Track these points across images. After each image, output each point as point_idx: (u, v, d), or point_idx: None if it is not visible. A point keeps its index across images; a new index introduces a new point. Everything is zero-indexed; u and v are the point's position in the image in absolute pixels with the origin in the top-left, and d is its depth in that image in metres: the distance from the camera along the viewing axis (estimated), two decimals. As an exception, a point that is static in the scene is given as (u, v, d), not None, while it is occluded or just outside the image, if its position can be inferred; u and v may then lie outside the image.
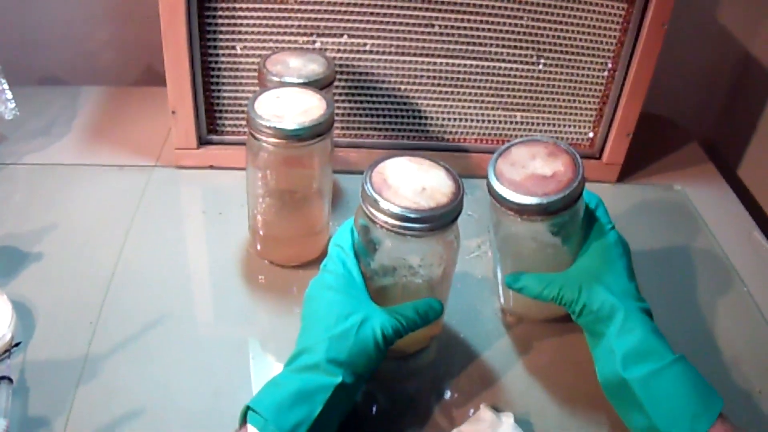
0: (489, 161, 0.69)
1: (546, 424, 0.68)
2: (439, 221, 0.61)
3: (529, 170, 0.67)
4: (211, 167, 0.97)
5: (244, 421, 0.57)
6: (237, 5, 0.88)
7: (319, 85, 0.79)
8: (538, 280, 0.69)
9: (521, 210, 0.65)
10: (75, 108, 1.09)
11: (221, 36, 0.89)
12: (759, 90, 1.14)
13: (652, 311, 0.66)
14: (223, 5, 0.87)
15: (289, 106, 0.72)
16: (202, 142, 0.96)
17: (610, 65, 0.94)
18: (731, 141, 1.21)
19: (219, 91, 0.94)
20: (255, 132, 0.71)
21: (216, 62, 0.91)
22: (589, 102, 0.97)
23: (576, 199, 0.66)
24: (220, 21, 0.88)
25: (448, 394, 0.70)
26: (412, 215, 0.60)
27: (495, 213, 0.69)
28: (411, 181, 0.63)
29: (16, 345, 0.70)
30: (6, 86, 0.96)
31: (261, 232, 0.81)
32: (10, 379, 0.66)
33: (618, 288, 0.65)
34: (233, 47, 0.90)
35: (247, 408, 0.57)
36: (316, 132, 0.71)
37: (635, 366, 0.61)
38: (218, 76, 0.93)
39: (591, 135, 0.99)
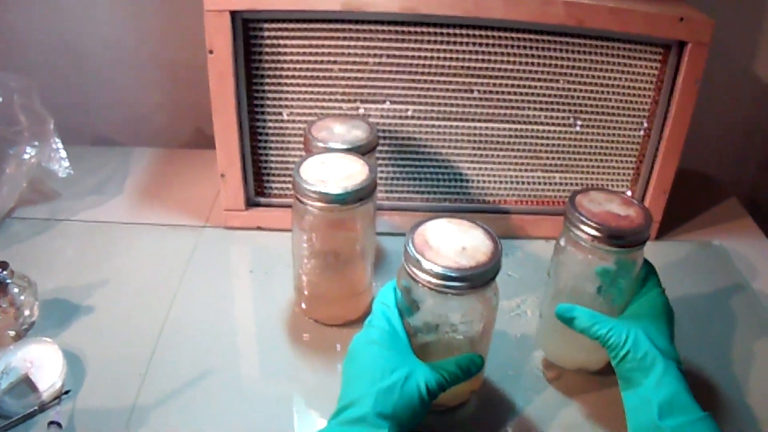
0: (568, 197, 0.73)
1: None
2: (479, 279, 0.63)
3: (605, 208, 0.71)
4: (259, 228, 0.99)
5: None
6: (283, 73, 0.91)
7: (363, 150, 0.82)
8: (590, 315, 0.69)
9: (593, 236, 0.68)
10: (127, 168, 1.13)
11: (268, 102, 0.93)
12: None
13: (692, 367, 0.67)
14: (270, 73, 0.90)
15: (333, 171, 0.75)
16: (250, 204, 0.99)
17: (645, 124, 0.95)
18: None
19: (266, 155, 0.96)
20: (300, 196, 0.73)
21: (263, 128, 0.94)
22: (626, 161, 0.98)
23: (642, 241, 0.69)
24: (267, 88, 0.91)
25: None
26: (454, 274, 0.62)
27: (565, 243, 0.73)
28: (451, 242, 0.65)
29: (66, 392, 0.72)
30: (60, 145, 1.00)
31: (306, 292, 0.82)
32: (59, 424, 0.68)
33: (660, 344, 0.67)
34: (280, 113, 0.93)
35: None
36: (359, 196, 0.73)
37: (669, 416, 0.62)
38: (266, 141, 0.95)
39: (629, 194, 1.00)
